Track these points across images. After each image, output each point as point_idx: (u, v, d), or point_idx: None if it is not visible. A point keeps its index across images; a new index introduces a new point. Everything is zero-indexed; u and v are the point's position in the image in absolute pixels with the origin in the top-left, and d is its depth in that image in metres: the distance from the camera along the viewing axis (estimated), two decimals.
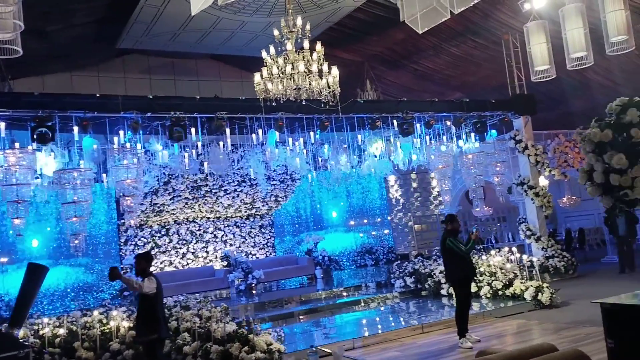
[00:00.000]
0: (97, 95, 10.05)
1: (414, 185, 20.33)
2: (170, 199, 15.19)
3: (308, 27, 10.47)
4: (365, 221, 19.29)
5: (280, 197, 17.23)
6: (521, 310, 9.58)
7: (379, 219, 19.33)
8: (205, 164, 12.47)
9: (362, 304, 12.42)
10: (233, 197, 16.28)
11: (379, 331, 8.97)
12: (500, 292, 10.46)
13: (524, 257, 10.79)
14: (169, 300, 10.93)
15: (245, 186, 16.00)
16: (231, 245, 17.31)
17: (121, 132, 10.29)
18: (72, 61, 16.19)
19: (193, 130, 10.81)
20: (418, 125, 13.44)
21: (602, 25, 11.46)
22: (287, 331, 10.19)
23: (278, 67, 10.45)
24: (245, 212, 17.43)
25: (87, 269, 14.86)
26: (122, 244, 15.82)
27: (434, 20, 11.66)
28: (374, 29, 15.61)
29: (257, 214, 17.86)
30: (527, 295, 9.82)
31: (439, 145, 13.86)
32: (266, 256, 17.68)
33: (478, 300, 10.82)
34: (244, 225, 17.71)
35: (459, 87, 18.85)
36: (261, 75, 10.90)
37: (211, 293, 14.74)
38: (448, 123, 14.01)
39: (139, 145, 10.65)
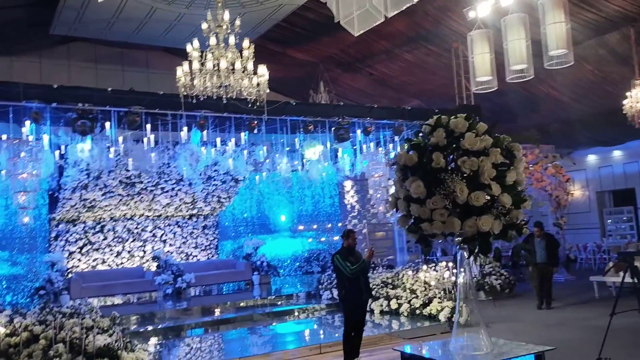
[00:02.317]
0: None
1: (371, 192, 19.82)
2: (102, 195, 14.55)
3: (238, 22, 9.91)
4: (315, 227, 18.74)
5: (224, 198, 16.65)
6: (433, 332, 9.07)
7: (329, 225, 18.80)
8: (130, 160, 11.82)
9: (287, 316, 11.90)
10: (171, 196, 15.67)
11: (273, 349, 8.43)
12: (417, 311, 9.98)
13: (446, 274, 10.30)
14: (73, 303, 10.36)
15: (183, 185, 15.39)
16: (171, 245, 16.72)
17: (27, 123, 9.64)
18: (11, 45, 15.50)
19: (107, 124, 10.19)
20: (359, 131, 12.94)
21: (542, 38, 11.04)
22: (180, 344, 9.61)
23: (202, 62, 9.90)
24: (187, 211, 16.83)
25: (11, 262, 14.15)
26: (52, 239, 15.15)
27: (369, 22, 11.20)
28: (325, 29, 15.09)
29: (200, 214, 17.26)
30: (442, 316, 9.33)
31: (376, 153, 13.37)
32: (208, 258, 17.10)
33: (397, 318, 10.34)
34: (186, 225, 17.11)
35: (416, 94, 18.39)
36: (189, 69, 10.35)
37: (135, 296, 14.20)
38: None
39: (45, 137, 10.01)
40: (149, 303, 13.40)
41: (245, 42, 9.89)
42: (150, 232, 16.43)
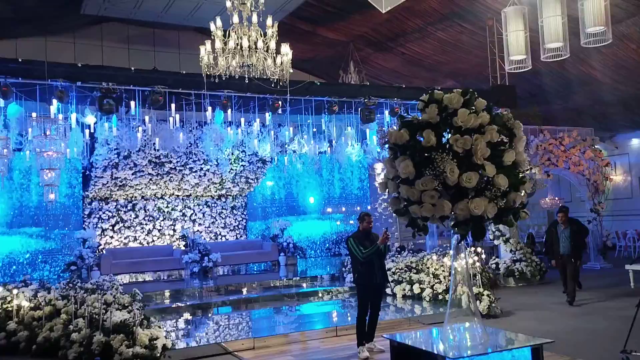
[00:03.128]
0: (20, 60, 9.53)
1: None
2: (133, 174, 14.75)
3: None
4: (344, 209, 18.60)
5: (251, 179, 16.65)
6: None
7: (358, 208, 18.61)
8: (157, 140, 11.90)
9: (311, 297, 11.86)
10: (200, 176, 15.77)
11: (290, 330, 8.38)
12: (440, 297, 9.77)
13: (471, 260, 9.99)
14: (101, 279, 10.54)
15: (211, 165, 15.45)
16: (200, 224, 16.88)
17: (55, 101, 9.77)
18: (46, 25, 15.75)
19: (132, 104, 10.24)
20: (387, 112, 12.66)
21: (579, 14, 10.50)
22: (202, 322, 9.68)
23: (225, 42, 9.82)
24: (216, 192, 16.92)
25: (45, 238, 14.53)
26: (85, 216, 15.50)
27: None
28: (356, 6, 14.76)
29: (229, 195, 17.34)
30: (464, 303, 9.06)
31: None
32: (237, 238, 17.21)
33: (420, 303, 10.15)
34: (215, 205, 17.22)
35: (450, 74, 17.88)
36: (211, 48, 10.29)
37: (165, 273, 14.42)
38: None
39: (73, 116, 10.14)
40: (176, 281, 13.57)
41: (269, 20, 9.75)
42: (180, 211, 16.61)
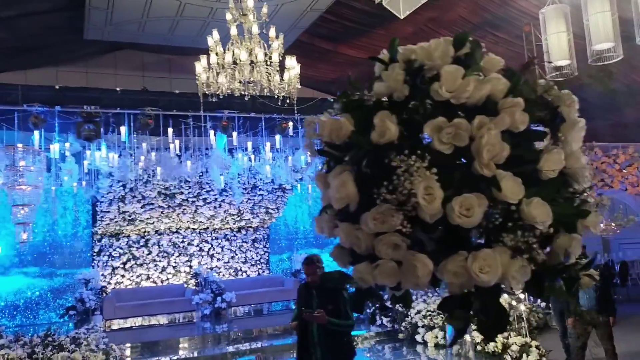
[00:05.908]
0: None
1: None
2: (142, 207, 13.71)
3: (265, 9, 8.72)
4: None
5: (272, 209, 15.38)
6: None
7: None
8: (159, 169, 10.80)
9: None
10: (215, 207, 14.61)
11: None
12: (479, 347, 8.10)
13: (515, 301, 8.31)
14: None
15: (227, 195, 14.27)
16: (219, 260, 15.64)
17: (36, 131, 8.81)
18: (57, 55, 15.16)
19: (123, 129, 9.18)
20: None
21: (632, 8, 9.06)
22: None
23: (223, 57, 8.80)
24: (234, 223, 15.69)
25: (49, 278, 13.57)
26: (94, 254, 14.50)
27: (415, 2, 9.55)
28: (378, 20, 13.57)
29: (250, 227, 16.08)
30: (508, 357, 7.43)
31: None
32: (259, 274, 15.88)
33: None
34: (235, 238, 15.98)
35: None
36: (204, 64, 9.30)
37: (179, 315, 13.19)
38: None
39: (56, 146, 9.14)
40: (186, 324, 12.32)
41: (272, 32, 8.63)
42: (197, 245, 15.44)
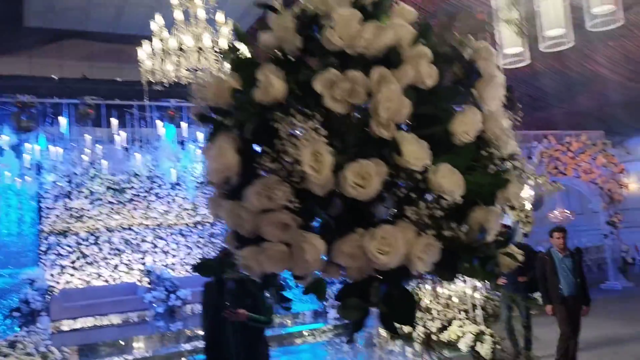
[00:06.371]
0: None
1: None
2: (90, 203, 13.17)
3: None
4: None
5: None
6: None
7: None
8: (104, 162, 10.34)
9: (295, 338, 10.21)
10: (169, 202, 14.18)
11: None
12: (434, 337, 8.03)
13: (461, 286, 8.27)
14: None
15: (180, 190, 13.86)
16: (174, 257, 15.20)
17: None
18: None
19: (62, 119, 8.71)
20: None
21: None
22: None
23: (165, 42, 8.42)
24: (190, 219, 15.27)
25: None
26: (42, 252, 13.86)
27: None
28: None
29: (207, 222, 15.67)
30: (463, 345, 7.37)
31: None
32: None
33: (410, 344, 8.42)
34: (190, 234, 15.55)
35: None
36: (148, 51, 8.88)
37: (132, 315, 12.75)
38: None
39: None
40: (137, 324, 11.92)
41: (220, 16, 8.33)
42: (150, 242, 14.95)
